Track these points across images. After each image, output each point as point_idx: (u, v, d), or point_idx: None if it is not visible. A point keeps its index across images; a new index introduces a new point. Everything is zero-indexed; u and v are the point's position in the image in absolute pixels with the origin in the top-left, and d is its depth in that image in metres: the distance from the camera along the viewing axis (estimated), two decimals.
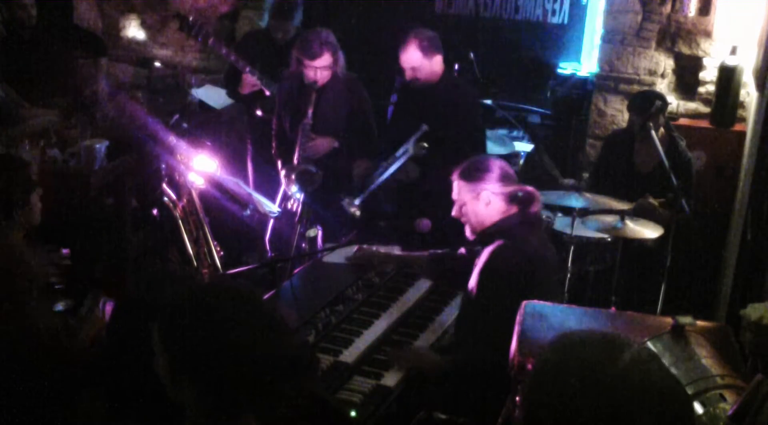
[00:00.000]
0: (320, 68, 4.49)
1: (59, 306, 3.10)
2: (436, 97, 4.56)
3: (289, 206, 4.40)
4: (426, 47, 4.48)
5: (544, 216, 4.18)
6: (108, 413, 1.96)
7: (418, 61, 4.50)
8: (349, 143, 4.71)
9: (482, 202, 3.15)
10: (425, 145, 4.23)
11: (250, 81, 5.04)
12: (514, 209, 3.16)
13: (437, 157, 4.38)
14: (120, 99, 5.80)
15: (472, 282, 3.16)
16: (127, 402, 1.92)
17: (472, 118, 4.70)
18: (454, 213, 3.25)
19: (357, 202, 4.10)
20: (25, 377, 2.38)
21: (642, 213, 4.25)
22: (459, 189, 3.21)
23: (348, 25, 6.50)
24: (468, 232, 3.26)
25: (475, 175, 3.17)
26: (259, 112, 5.21)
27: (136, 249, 4.62)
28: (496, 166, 3.17)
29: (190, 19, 5.12)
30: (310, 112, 4.50)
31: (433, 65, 4.53)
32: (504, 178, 3.16)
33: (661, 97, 4.55)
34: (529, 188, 3.19)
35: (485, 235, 3.19)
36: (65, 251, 3.26)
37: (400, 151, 4.25)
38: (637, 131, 4.50)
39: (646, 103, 4.43)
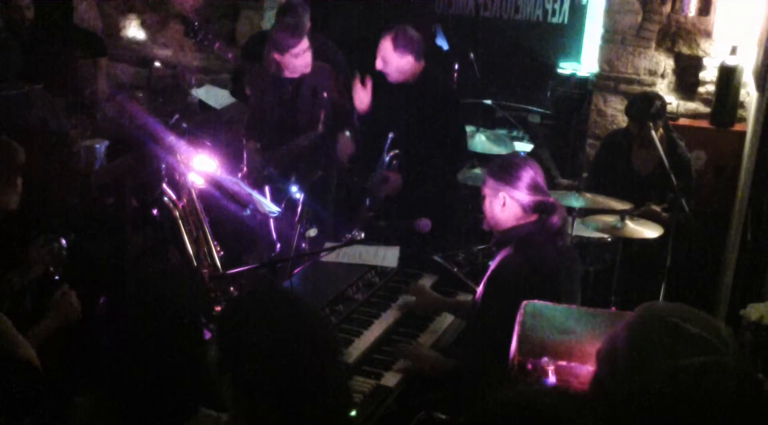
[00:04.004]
0: (305, 52, 4.57)
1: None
2: (417, 94, 4.58)
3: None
4: (399, 43, 4.49)
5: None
6: (101, 412, 1.96)
7: (387, 52, 4.51)
8: (332, 128, 4.78)
9: (498, 202, 3.10)
10: (397, 152, 4.29)
11: None
12: (533, 217, 3.10)
13: (421, 154, 4.40)
14: (120, 99, 5.80)
15: (479, 290, 3.16)
16: (122, 400, 1.92)
17: (456, 116, 4.72)
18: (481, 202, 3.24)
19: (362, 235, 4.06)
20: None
21: (647, 218, 4.25)
22: (485, 182, 3.18)
23: (348, 25, 6.51)
24: (484, 224, 3.24)
25: (501, 175, 3.11)
26: (257, 115, 5.22)
27: (136, 249, 4.61)
28: (527, 174, 3.09)
29: (196, 24, 5.14)
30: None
31: (402, 64, 4.52)
32: (530, 188, 3.08)
33: (659, 98, 4.55)
34: (552, 199, 3.13)
35: (501, 237, 3.17)
36: (64, 241, 3.24)
37: (377, 168, 4.36)
38: (636, 135, 4.49)
39: (646, 106, 4.42)
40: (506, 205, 3.09)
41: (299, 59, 4.55)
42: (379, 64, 4.57)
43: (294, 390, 1.73)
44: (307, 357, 1.75)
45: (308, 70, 4.62)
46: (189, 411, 1.88)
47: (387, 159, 4.44)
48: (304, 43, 4.53)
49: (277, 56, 4.56)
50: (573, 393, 1.67)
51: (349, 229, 3.84)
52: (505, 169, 3.13)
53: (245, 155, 4.84)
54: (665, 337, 1.48)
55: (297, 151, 4.68)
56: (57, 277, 3.10)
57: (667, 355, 1.46)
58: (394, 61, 4.50)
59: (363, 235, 3.67)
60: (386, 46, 4.51)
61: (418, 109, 4.55)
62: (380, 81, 4.68)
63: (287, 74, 4.62)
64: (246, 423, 1.77)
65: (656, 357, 1.46)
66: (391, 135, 4.38)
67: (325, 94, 4.62)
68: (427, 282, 3.83)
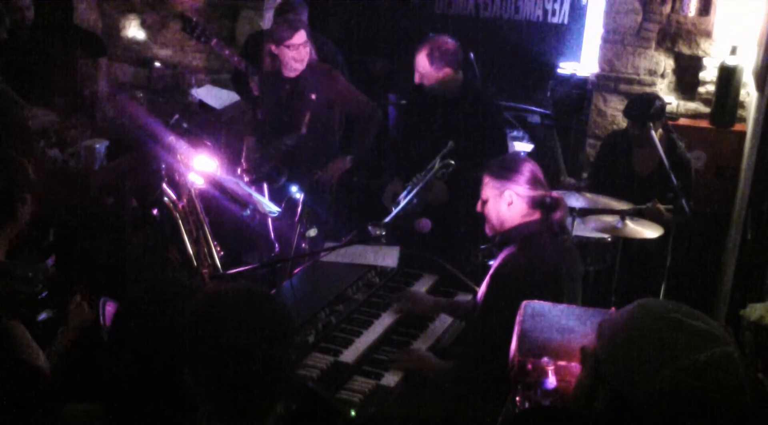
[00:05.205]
0: (300, 45, 4.54)
1: (43, 316, 3.07)
2: (458, 111, 4.55)
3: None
4: (436, 58, 4.48)
5: None
6: (102, 416, 1.95)
7: (425, 67, 4.50)
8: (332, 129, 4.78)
9: (504, 201, 3.08)
10: (452, 162, 4.22)
11: None
12: (536, 215, 3.09)
13: (464, 172, 4.36)
14: (120, 99, 5.81)
15: (481, 289, 3.16)
16: (124, 405, 1.92)
17: (497, 131, 4.70)
18: (477, 208, 3.20)
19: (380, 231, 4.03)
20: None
21: (649, 217, 4.25)
22: (485, 185, 3.15)
23: (348, 25, 6.51)
24: (487, 229, 3.22)
25: (503, 173, 3.10)
26: (260, 115, 5.23)
27: (136, 249, 4.61)
28: (527, 169, 3.09)
29: (194, 20, 5.14)
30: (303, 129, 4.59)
31: (440, 76, 4.52)
32: (532, 182, 3.08)
33: (658, 98, 4.55)
34: (556, 194, 3.13)
35: (502, 237, 3.15)
36: (50, 261, 3.22)
37: (426, 170, 4.26)
38: (635, 136, 4.49)
39: (645, 107, 4.41)
40: (513, 203, 3.08)
41: (293, 52, 4.54)
42: (417, 78, 4.57)
43: (269, 387, 1.72)
44: (282, 354, 1.74)
45: (302, 66, 4.61)
46: (187, 412, 1.88)
47: (438, 167, 4.35)
48: (300, 36, 4.51)
49: (273, 48, 4.57)
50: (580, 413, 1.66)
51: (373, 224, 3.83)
52: (505, 167, 3.12)
53: (244, 150, 4.85)
54: (671, 335, 1.49)
55: (284, 150, 4.69)
56: (44, 294, 3.08)
57: (678, 353, 1.47)
58: (433, 75, 4.49)
59: (383, 232, 3.66)
60: (422, 62, 4.49)
61: (460, 121, 4.54)
62: (421, 95, 4.68)
63: (285, 72, 4.63)
64: (219, 422, 1.75)
65: (668, 356, 1.47)
66: (450, 143, 4.32)
67: (312, 96, 4.62)
68: (427, 282, 3.83)
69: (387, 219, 4.03)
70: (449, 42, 4.54)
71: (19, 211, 2.89)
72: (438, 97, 4.58)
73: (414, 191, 4.27)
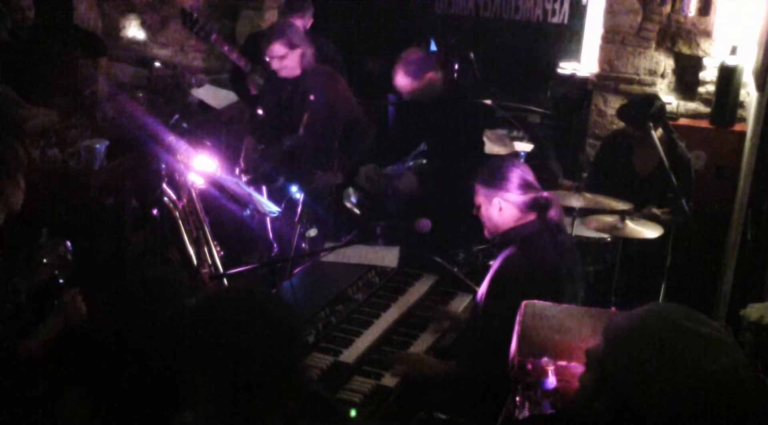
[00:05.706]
0: (275, 58, 4.57)
1: None
2: (437, 111, 4.57)
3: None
4: (413, 71, 4.46)
5: None
6: (95, 413, 1.96)
7: (408, 86, 4.50)
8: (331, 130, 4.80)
9: (494, 208, 3.14)
10: (424, 161, 4.26)
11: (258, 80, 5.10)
12: (531, 216, 3.13)
13: (440, 165, 4.38)
14: (120, 99, 5.81)
15: (482, 290, 3.17)
16: (116, 401, 1.92)
17: (472, 127, 4.71)
18: (474, 212, 3.25)
19: (354, 199, 4.12)
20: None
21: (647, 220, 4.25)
22: (477, 192, 3.21)
23: (348, 25, 6.51)
24: (485, 233, 3.27)
25: (490, 180, 3.15)
26: (260, 112, 5.23)
27: (136, 249, 4.61)
28: (515, 175, 3.13)
29: (195, 14, 5.14)
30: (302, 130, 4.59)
31: (425, 84, 4.52)
32: (521, 187, 3.12)
33: (657, 98, 4.55)
34: (546, 194, 3.16)
35: (502, 238, 3.19)
36: (69, 245, 3.23)
37: (399, 165, 4.32)
38: (636, 137, 4.48)
39: (645, 108, 4.40)
40: (502, 209, 3.13)
41: (272, 62, 4.57)
42: (405, 97, 4.62)
43: (269, 387, 1.72)
44: (283, 354, 1.74)
45: (288, 73, 4.64)
46: (186, 412, 1.88)
47: (411, 162, 4.44)
48: (276, 50, 4.53)
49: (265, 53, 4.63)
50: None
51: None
52: (492, 175, 3.17)
53: (243, 151, 4.86)
54: (672, 336, 1.49)
55: (284, 150, 4.69)
56: (62, 281, 3.09)
57: (679, 354, 1.47)
58: (419, 88, 4.52)
59: (356, 200, 3.70)
60: (402, 82, 4.53)
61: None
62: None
63: (282, 74, 4.65)
64: (219, 422, 1.75)
65: (669, 357, 1.47)
66: (422, 146, 4.39)
67: (312, 97, 4.62)
68: (427, 282, 3.83)
69: (357, 198, 4.09)
70: (414, 51, 4.57)
71: (7, 190, 2.88)
72: (426, 99, 4.60)
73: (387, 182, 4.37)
